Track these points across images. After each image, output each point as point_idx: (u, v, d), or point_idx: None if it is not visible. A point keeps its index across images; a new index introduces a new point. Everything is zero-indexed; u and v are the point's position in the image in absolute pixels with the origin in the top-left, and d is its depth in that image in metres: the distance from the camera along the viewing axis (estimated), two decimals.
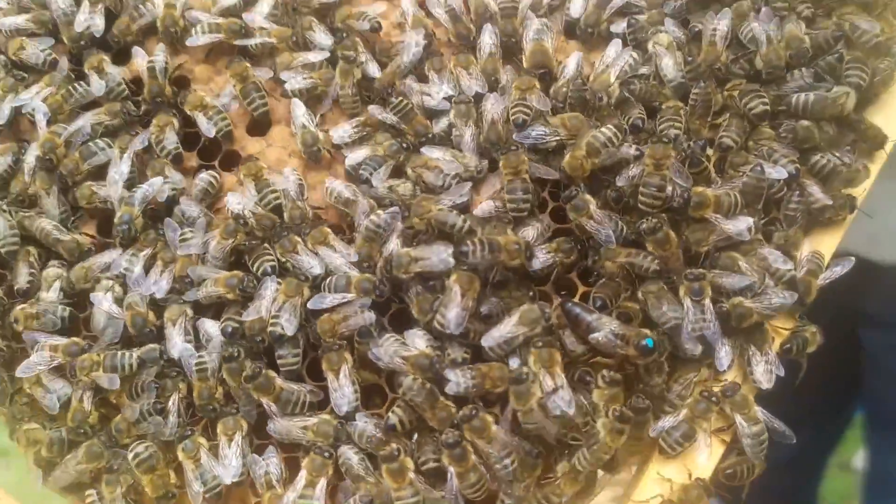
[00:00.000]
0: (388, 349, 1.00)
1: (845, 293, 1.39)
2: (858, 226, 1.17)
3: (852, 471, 2.89)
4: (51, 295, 1.10)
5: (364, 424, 1.01)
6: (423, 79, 1.16)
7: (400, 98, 1.12)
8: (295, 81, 1.16)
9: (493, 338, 0.99)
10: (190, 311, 1.08)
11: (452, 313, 0.98)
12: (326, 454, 1.00)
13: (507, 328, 0.99)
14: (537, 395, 0.97)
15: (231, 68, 1.16)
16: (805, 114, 1.06)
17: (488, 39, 1.14)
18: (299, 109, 1.15)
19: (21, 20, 1.20)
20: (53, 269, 1.11)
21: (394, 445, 0.98)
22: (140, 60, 1.17)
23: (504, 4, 1.16)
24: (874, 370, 1.98)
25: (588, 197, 1.03)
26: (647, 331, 1.00)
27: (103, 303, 1.08)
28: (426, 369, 0.98)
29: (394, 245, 1.05)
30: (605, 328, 0.99)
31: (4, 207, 1.14)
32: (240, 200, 1.10)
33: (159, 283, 1.09)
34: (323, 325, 1.02)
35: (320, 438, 1.01)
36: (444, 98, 1.13)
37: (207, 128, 1.15)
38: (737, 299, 1.01)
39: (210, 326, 1.07)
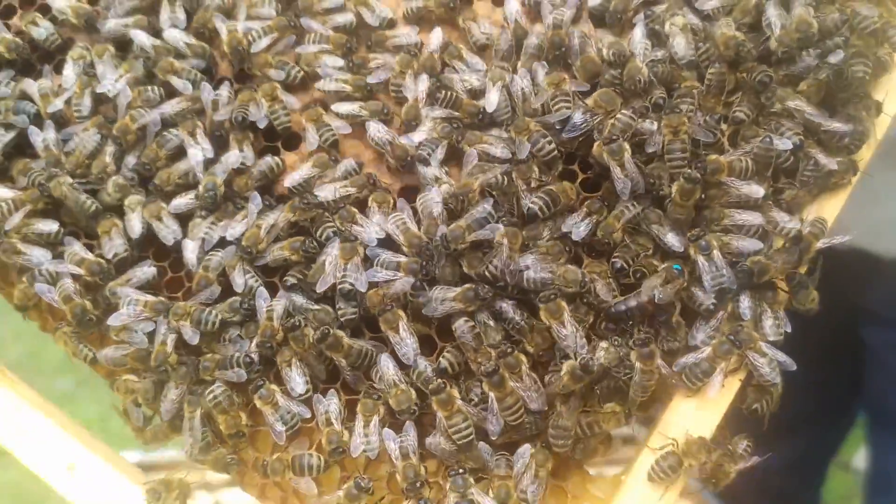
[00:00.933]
0: (437, 296, 1.14)
1: (847, 289, 1.45)
2: (860, 218, 1.26)
3: (852, 471, 2.91)
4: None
5: (424, 367, 1.14)
6: None
7: (444, 91, 1.26)
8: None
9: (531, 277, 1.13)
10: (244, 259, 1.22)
11: (503, 263, 1.13)
12: (376, 396, 1.14)
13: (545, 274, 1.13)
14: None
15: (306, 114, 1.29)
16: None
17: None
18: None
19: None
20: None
21: (440, 381, 1.12)
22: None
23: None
24: (876, 368, 1.94)
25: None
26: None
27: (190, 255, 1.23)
28: (472, 300, 1.13)
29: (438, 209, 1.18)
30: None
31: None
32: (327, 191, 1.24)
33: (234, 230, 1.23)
34: (372, 298, 1.16)
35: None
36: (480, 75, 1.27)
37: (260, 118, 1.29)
38: (755, 257, 1.13)
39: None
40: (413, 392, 1.13)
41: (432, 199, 1.19)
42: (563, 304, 1.10)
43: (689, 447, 1.11)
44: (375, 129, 1.26)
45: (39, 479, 4.21)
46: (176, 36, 1.33)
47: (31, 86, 1.34)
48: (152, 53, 1.32)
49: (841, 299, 1.52)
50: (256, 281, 1.21)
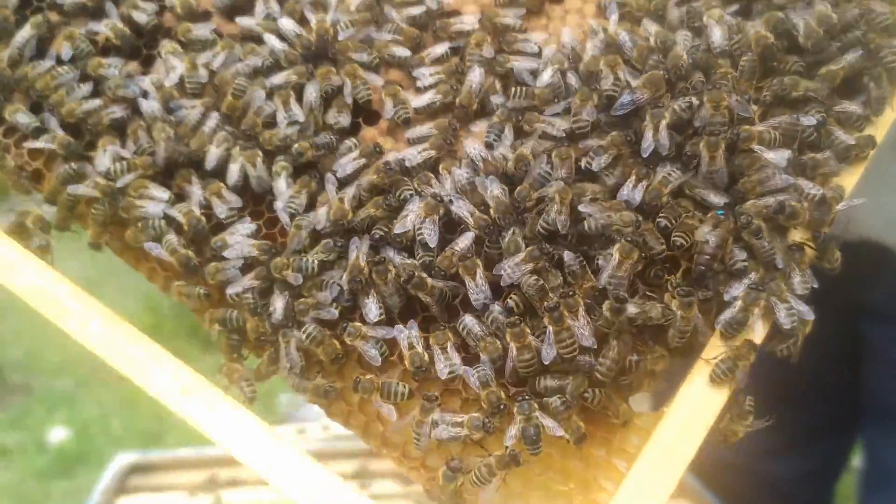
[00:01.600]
0: (507, 264, 1.30)
1: (848, 283, 1.52)
2: (871, 209, 1.37)
3: (853, 470, 2.82)
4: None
5: (497, 310, 1.30)
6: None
7: (517, 88, 1.44)
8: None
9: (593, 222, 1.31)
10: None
11: (562, 217, 1.31)
12: (443, 327, 1.30)
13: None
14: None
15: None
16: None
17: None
18: None
19: None
20: None
21: (516, 317, 1.28)
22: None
23: None
24: (875, 363, 1.89)
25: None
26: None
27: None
28: (538, 257, 1.28)
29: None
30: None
31: None
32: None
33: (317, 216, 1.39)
34: (442, 261, 1.32)
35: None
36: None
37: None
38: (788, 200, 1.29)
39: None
40: (498, 342, 1.28)
41: (493, 182, 1.36)
42: (633, 247, 1.26)
43: (740, 350, 1.26)
44: (472, 147, 1.41)
45: (40, 479, 4.28)
46: (289, 27, 1.49)
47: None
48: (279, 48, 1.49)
49: (841, 294, 1.54)
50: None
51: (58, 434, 4.99)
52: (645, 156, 1.34)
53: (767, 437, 1.54)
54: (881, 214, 1.55)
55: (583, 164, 1.37)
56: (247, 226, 1.40)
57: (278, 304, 1.32)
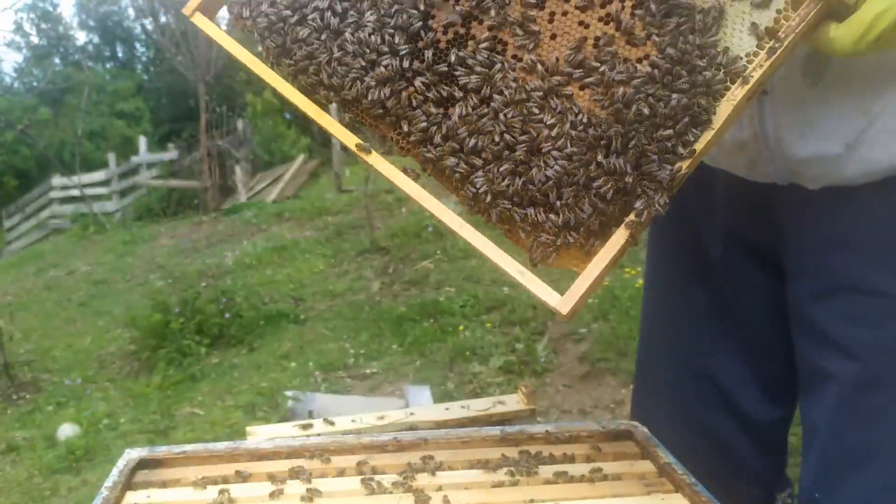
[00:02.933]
0: None
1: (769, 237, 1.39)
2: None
3: None
4: None
5: None
6: None
7: None
8: None
9: None
10: None
11: None
12: None
13: None
14: None
15: None
16: None
17: None
18: None
19: None
20: None
21: None
22: None
23: None
24: (794, 323, 1.59)
25: None
26: None
27: None
28: None
29: None
30: None
31: None
32: None
33: None
34: None
35: None
36: None
37: None
38: None
39: None
40: None
41: None
42: None
43: None
44: None
45: (48, 474, 4.37)
46: None
47: None
48: None
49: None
50: None
51: (66, 430, 5.04)
52: None
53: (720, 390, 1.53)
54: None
55: None
56: None
57: None
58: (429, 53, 1.12)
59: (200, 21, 1.30)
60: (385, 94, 1.13)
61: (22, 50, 29.00)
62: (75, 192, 14.19)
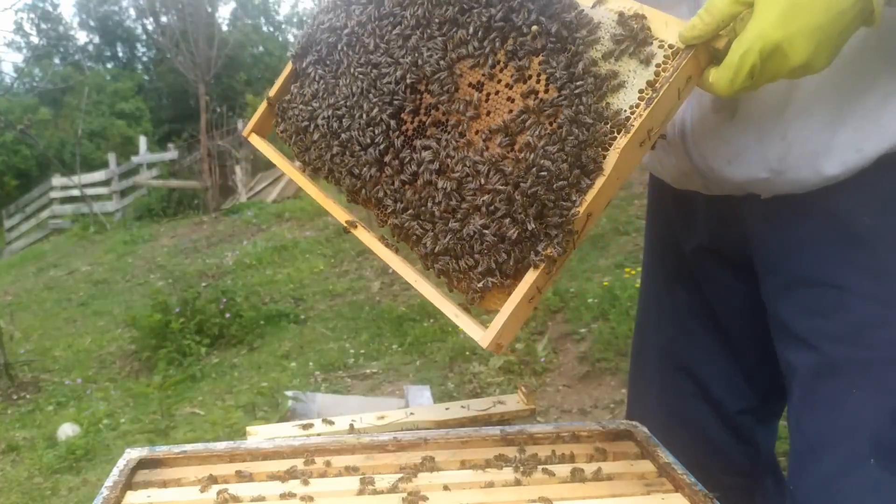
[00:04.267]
0: None
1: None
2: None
3: None
4: None
5: None
6: None
7: None
8: None
9: None
10: None
11: None
12: None
13: None
14: None
15: None
16: None
17: None
18: None
19: None
20: None
21: None
22: None
23: None
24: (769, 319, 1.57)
25: None
26: None
27: None
28: None
29: None
30: None
31: None
32: None
33: None
34: None
35: None
36: None
37: None
38: None
39: None
40: None
41: None
42: None
43: None
44: None
45: (49, 474, 4.37)
46: None
47: None
48: None
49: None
50: None
51: (66, 430, 5.04)
52: None
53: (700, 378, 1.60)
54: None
55: None
56: None
57: None
58: (398, 141, 1.35)
59: (256, 141, 1.65)
60: (367, 177, 1.40)
61: (22, 50, 29.00)
62: (75, 192, 14.21)
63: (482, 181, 1.22)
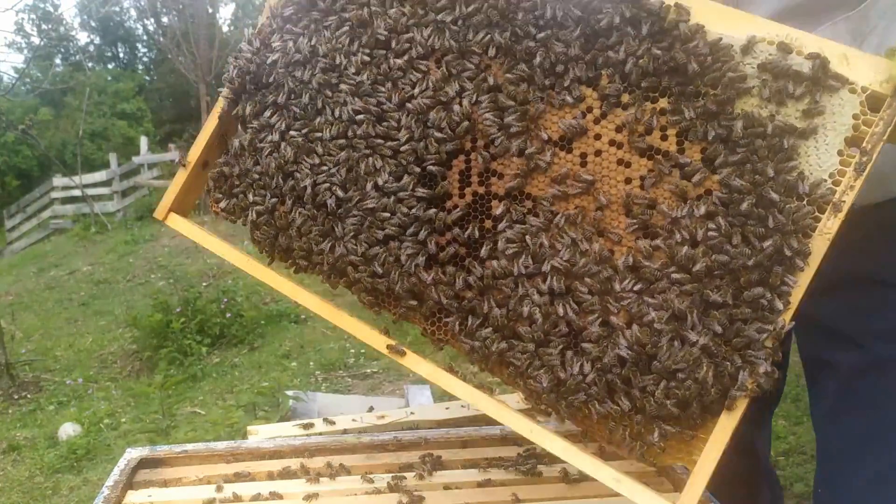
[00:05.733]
0: None
1: None
2: None
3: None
4: None
5: None
6: None
7: None
8: None
9: None
10: None
11: None
12: None
13: None
14: None
15: None
16: None
17: None
18: None
19: None
20: None
21: None
22: None
23: None
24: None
25: None
26: None
27: None
28: None
29: None
30: None
31: None
32: None
33: None
34: None
35: None
36: None
37: None
38: None
39: None
40: None
41: None
42: None
43: None
44: None
45: (50, 474, 4.33)
46: None
47: None
48: None
49: None
50: None
51: (67, 430, 5.04)
52: None
53: None
54: None
55: None
56: None
57: None
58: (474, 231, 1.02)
59: (179, 224, 1.30)
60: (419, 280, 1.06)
61: (23, 51, 29.01)
62: (77, 193, 14.20)
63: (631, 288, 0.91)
